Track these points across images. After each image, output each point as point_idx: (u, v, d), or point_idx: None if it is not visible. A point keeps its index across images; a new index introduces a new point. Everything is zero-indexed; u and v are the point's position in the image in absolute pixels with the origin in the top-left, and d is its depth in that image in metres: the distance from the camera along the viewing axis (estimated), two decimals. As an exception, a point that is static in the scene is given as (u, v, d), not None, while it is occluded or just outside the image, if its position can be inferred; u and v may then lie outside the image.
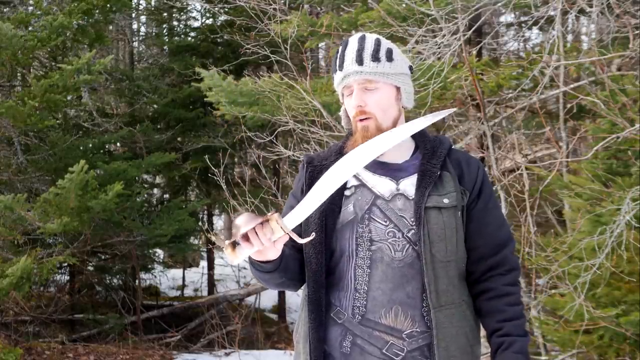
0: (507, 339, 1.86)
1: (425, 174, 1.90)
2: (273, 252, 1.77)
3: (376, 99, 1.90)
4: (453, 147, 2.02)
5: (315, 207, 1.77)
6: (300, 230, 1.92)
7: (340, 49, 1.96)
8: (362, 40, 1.93)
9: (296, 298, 9.36)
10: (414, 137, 1.99)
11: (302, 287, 2.01)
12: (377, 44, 1.92)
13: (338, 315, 1.90)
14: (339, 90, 1.97)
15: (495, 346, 1.88)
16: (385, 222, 1.88)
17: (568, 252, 3.95)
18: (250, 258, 1.82)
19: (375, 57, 1.90)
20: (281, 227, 1.70)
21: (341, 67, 1.92)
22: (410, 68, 1.99)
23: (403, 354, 1.84)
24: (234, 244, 1.71)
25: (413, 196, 1.89)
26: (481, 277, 1.93)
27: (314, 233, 1.82)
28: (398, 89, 1.94)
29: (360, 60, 1.89)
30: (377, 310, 1.85)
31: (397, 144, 1.92)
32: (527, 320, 1.94)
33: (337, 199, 1.91)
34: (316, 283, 1.90)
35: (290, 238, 1.78)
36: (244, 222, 1.70)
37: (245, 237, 1.70)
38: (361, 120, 1.91)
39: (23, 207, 5.75)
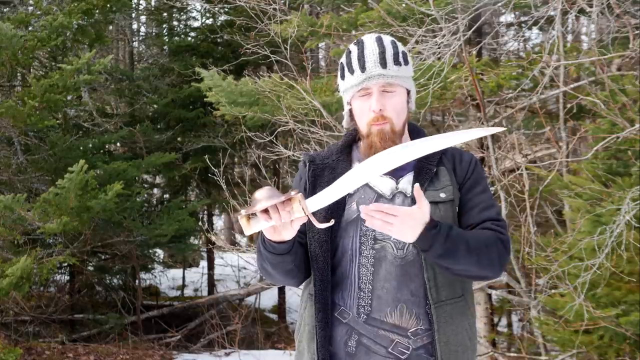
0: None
1: (422, 171, 1.92)
2: (289, 232, 1.75)
3: (393, 103, 1.91)
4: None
5: (341, 195, 1.75)
6: (304, 227, 1.92)
7: (355, 50, 1.93)
8: (380, 41, 1.92)
9: (296, 298, 9.36)
10: (412, 136, 2.01)
11: (303, 287, 2.00)
12: (394, 46, 1.93)
13: (342, 314, 1.89)
14: (353, 91, 1.93)
15: None
16: None
17: (568, 252, 3.95)
18: (263, 240, 1.81)
19: (397, 61, 1.91)
20: (302, 208, 1.67)
21: (363, 69, 1.89)
22: None
23: (408, 352, 1.84)
24: (249, 215, 1.69)
25: (411, 193, 1.90)
26: None
27: (332, 220, 1.79)
28: (408, 92, 1.96)
29: (384, 63, 1.89)
30: (383, 309, 1.85)
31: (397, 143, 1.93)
32: (504, 257, 1.85)
33: (342, 197, 1.92)
34: (323, 282, 1.90)
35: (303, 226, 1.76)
36: (265, 196, 1.67)
37: (265, 211, 1.68)
38: (377, 124, 1.89)
39: (23, 207, 5.75)
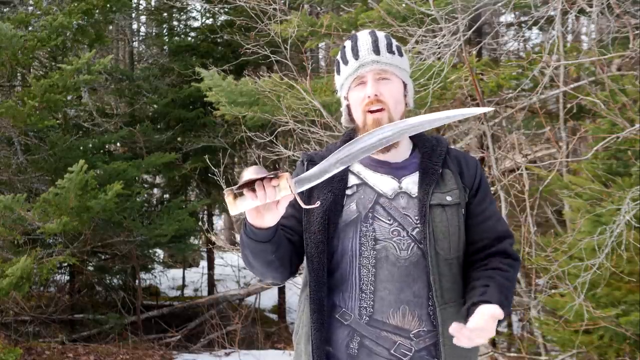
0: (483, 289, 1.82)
1: (427, 172, 1.90)
2: (271, 217, 1.70)
3: (390, 90, 1.90)
4: (450, 146, 2.03)
5: (326, 177, 1.71)
6: (300, 227, 1.92)
7: (349, 43, 1.95)
8: (373, 33, 1.95)
9: (296, 298, 9.35)
10: (411, 136, 2.00)
11: (301, 289, 2.00)
12: (389, 38, 1.96)
13: (344, 316, 1.88)
14: (348, 82, 1.94)
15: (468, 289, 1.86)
16: (389, 220, 1.87)
17: (568, 252, 3.95)
18: (245, 225, 1.77)
19: (390, 50, 1.92)
20: (289, 186, 1.64)
21: (357, 57, 1.91)
22: None
23: (411, 354, 1.83)
24: (236, 194, 1.66)
25: (416, 194, 1.88)
26: (481, 260, 1.92)
27: (318, 202, 1.79)
28: (405, 85, 1.96)
29: (377, 50, 1.90)
30: (385, 311, 1.84)
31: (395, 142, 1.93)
32: (512, 299, 1.91)
33: (340, 197, 1.90)
34: (318, 283, 1.88)
35: (282, 225, 1.75)
36: (253, 172, 1.65)
37: (251, 189, 1.65)
38: (372, 111, 1.89)
39: (23, 207, 5.75)
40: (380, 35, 1.95)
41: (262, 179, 1.64)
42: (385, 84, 1.90)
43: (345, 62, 1.94)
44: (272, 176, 1.64)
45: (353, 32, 5.28)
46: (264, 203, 1.65)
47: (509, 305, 1.82)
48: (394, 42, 1.95)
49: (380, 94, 1.89)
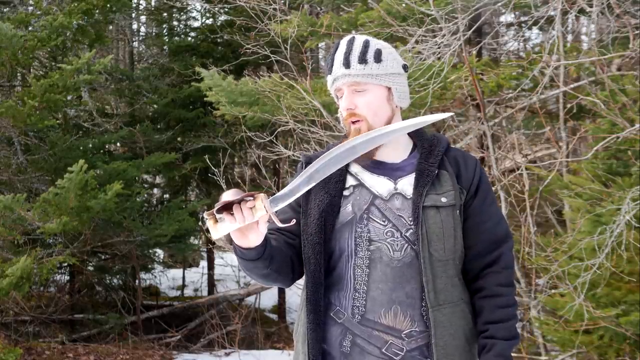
0: (490, 341, 1.85)
1: (423, 173, 1.90)
2: (255, 236, 1.74)
3: (366, 101, 1.91)
4: (451, 145, 2.02)
5: (302, 192, 1.75)
6: (298, 228, 1.93)
7: (331, 51, 1.97)
8: (350, 42, 1.93)
9: (296, 298, 9.35)
10: (411, 136, 2.00)
11: (302, 288, 2.00)
12: (365, 45, 1.92)
13: (337, 315, 1.90)
14: (332, 92, 2.00)
15: (480, 348, 1.89)
16: (384, 221, 1.88)
17: (568, 252, 3.96)
18: (234, 245, 1.79)
19: (362, 60, 1.90)
20: (264, 207, 1.67)
21: (330, 71, 1.94)
22: (405, 67, 1.99)
23: (402, 354, 1.84)
24: (217, 218, 1.70)
25: (411, 195, 1.89)
26: (477, 275, 1.93)
27: (294, 220, 1.81)
28: (389, 89, 1.94)
29: (347, 64, 1.90)
30: (377, 310, 1.85)
31: (395, 142, 1.94)
32: (517, 322, 1.93)
33: (336, 199, 1.91)
34: (315, 284, 1.90)
35: (280, 229, 1.78)
36: (230, 195, 1.69)
37: (230, 212, 1.69)
38: (353, 122, 1.92)
39: (23, 207, 5.75)
40: (357, 43, 1.92)
41: (238, 202, 1.67)
42: (360, 96, 1.91)
43: (326, 73, 1.98)
44: (248, 199, 1.67)
45: (353, 32, 5.29)
46: (243, 225, 1.68)
47: (514, 338, 1.87)
48: (372, 49, 1.92)
49: (355, 106, 1.91)
